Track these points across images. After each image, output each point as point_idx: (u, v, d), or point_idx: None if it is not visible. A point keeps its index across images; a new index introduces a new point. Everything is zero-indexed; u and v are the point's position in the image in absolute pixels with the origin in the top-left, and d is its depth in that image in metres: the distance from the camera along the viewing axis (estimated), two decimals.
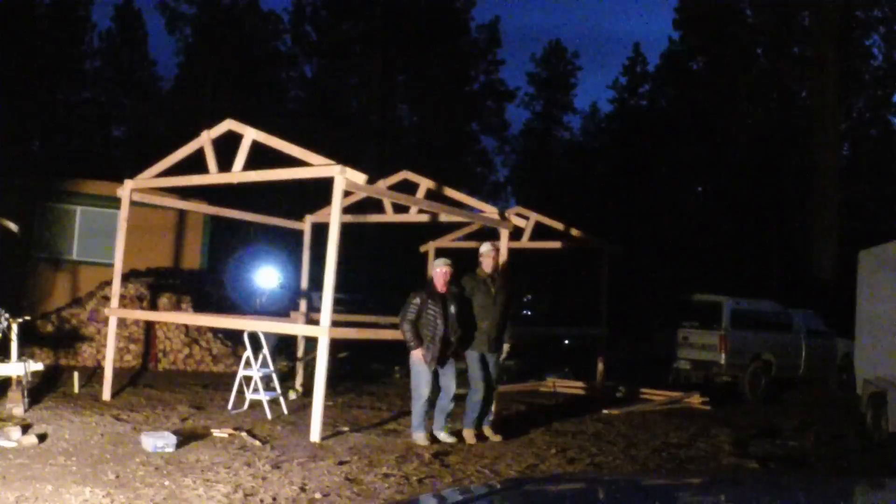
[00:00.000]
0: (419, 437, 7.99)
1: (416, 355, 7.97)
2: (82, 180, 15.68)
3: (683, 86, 37.14)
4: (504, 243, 10.27)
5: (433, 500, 3.22)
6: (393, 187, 10.71)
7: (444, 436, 8.18)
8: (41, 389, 9.59)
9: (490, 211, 10.70)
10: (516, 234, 11.33)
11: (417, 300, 8.02)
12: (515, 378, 14.10)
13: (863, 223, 26.94)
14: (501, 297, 8.51)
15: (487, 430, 8.59)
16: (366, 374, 13.75)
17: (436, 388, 8.11)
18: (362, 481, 6.35)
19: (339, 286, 8.33)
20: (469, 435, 8.28)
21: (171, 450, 6.91)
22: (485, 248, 8.73)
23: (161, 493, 5.69)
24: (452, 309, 8.08)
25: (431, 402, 8.11)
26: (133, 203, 9.90)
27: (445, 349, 8.05)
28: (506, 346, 8.66)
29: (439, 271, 8.18)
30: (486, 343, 8.40)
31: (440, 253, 12.34)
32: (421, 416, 8.05)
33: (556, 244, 12.71)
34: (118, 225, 9.92)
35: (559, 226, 12.20)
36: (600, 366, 12.81)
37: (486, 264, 8.58)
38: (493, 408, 8.72)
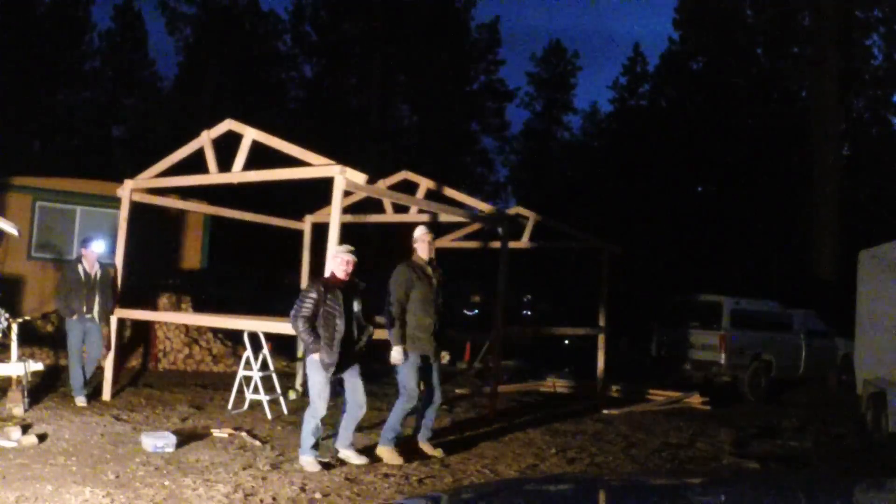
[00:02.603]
0: (307, 462, 6.62)
1: (315, 358, 6.64)
2: (82, 180, 15.69)
3: (683, 86, 37.15)
4: (503, 243, 10.28)
5: (434, 500, 3.22)
6: (393, 187, 10.72)
7: (350, 454, 6.88)
8: (41, 389, 9.59)
9: (490, 211, 10.70)
10: (516, 233, 11.33)
11: (314, 294, 6.64)
12: (515, 378, 14.10)
13: (863, 223, 26.92)
14: (440, 288, 7.31)
15: (426, 446, 7.41)
16: (366, 374, 13.72)
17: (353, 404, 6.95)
18: (362, 481, 6.35)
19: None
20: (389, 453, 7.00)
21: (171, 450, 6.92)
22: (420, 231, 7.41)
23: (161, 493, 5.69)
24: (356, 305, 6.78)
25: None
26: (133, 203, 9.90)
27: (347, 353, 6.72)
28: (444, 354, 7.53)
29: (341, 260, 6.81)
30: (429, 342, 7.16)
31: (442, 253, 12.37)
32: (314, 435, 6.67)
33: (556, 244, 12.71)
34: (118, 225, 9.92)
35: (559, 226, 12.20)
36: (600, 366, 12.81)
37: (423, 249, 7.33)
38: (432, 420, 7.49)
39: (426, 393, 7.37)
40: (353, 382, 6.90)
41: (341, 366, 6.72)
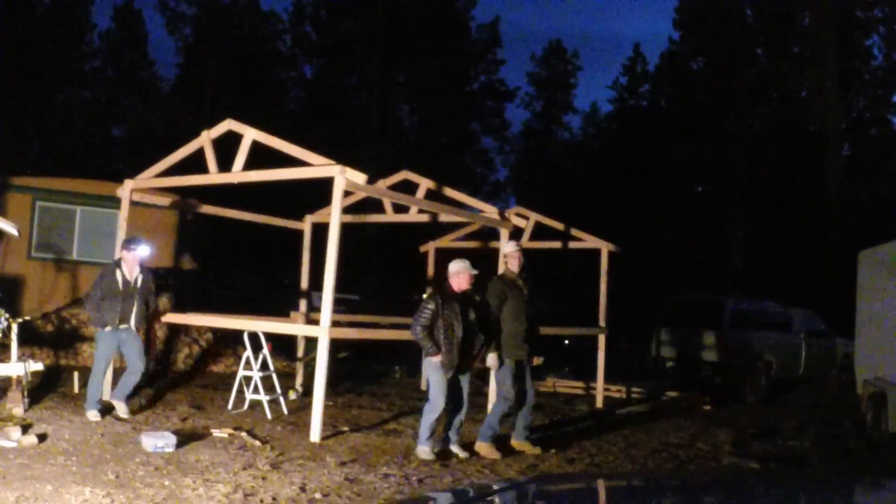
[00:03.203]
0: (424, 451, 7.42)
1: (435, 362, 7.37)
2: (82, 180, 15.69)
3: (683, 86, 37.13)
4: (504, 243, 10.28)
5: (434, 500, 3.22)
6: (393, 187, 10.72)
7: (457, 449, 7.64)
8: (41, 389, 9.59)
9: (490, 211, 10.71)
10: (516, 234, 11.33)
11: (432, 305, 7.39)
12: None
13: (863, 223, 26.93)
14: (531, 297, 8.04)
15: (524, 444, 8.03)
16: (366, 374, 13.75)
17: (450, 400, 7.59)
18: (362, 481, 6.35)
19: (338, 286, 8.31)
20: (487, 448, 7.69)
21: (171, 450, 6.91)
22: (510, 247, 8.21)
23: (161, 493, 5.69)
24: (472, 315, 7.53)
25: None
26: (133, 203, 9.90)
27: (463, 357, 7.48)
28: (537, 360, 8.18)
29: (466, 276, 7.50)
30: (522, 349, 7.86)
31: (442, 253, 12.36)
32: (431, 428, 7.45)
33: (556, 244, 12.71)
34: (118, 225, 9.92)
35: (559, 226, 12.19)
36: (600, 365, 12.80)
37: (514, 264, 8.05)
38: (528, 420, 8.14)
39: (521, 395, 7.90)
40: (464, 390, 7.63)
41: (458, 368, 7.46)
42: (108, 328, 8.45)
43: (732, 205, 32.03)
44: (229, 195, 10.44)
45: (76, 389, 9.82)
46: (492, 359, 7.77)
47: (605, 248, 12.55)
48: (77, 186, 15.05)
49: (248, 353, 9.51)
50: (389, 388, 12.44)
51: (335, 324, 8.35)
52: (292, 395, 10.65)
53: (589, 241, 12.63)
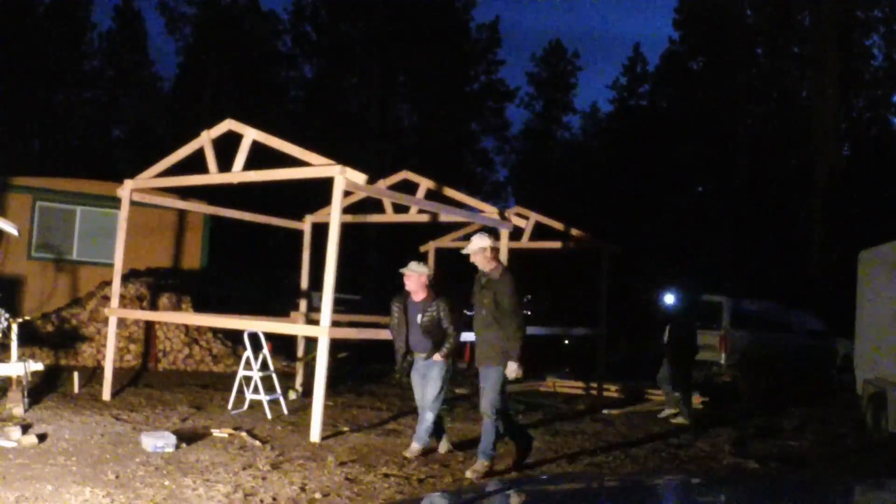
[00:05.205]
0: (412, 448, 7.46)
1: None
2: (82, 180, 15.70)
3: (683, 86, 37.13)
4: (504, 243, 10.28)
5: (433, 500, 3.22)
6: (393, 187, 10.72)
7: (443, 445, 7.70)
8: (41, 389, 9.59)
9: (490, 211, 10.71)
10: (516, 234, 11.33)
11: (394, 307, 7.49)
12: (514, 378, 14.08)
13: (863, 223, 26.94)
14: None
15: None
16: (366, 374, 13.75)
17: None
18: (362, 481, 6.35)
19: (338, 286, 8.30)
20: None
21: (171, 450, 6.91)
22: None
23: (161, 493, 5.69)
24: (419, 318, 7.28)
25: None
26: (133, 203, 9.90)
27: (406, 359, 7.44)
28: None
29: (407, 278, 7.39)
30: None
31: (442, 253, 12.36)
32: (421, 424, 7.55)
33: (556, 244, 12.72)
34: (118, 225, 9.92)
35: (559, 226, 12.20)
36: (600, 366, 12.81)
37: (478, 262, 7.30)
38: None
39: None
40: (425, 388, 7.43)
41: (410, 368, 7.45)
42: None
43: (732, 205, 32.02)
44: (229, 195, 10.45)
45: (76, 389, 9.83)
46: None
47: (604, 248, 12.55)
48: (77, 186, 15.06)
49: (248, 353, 9.51)
50: (389, 388, 12.44)
51: (335, 324, 8.35)
52: (292, 395, 10.65)
53: (589, 241, 12.63)
